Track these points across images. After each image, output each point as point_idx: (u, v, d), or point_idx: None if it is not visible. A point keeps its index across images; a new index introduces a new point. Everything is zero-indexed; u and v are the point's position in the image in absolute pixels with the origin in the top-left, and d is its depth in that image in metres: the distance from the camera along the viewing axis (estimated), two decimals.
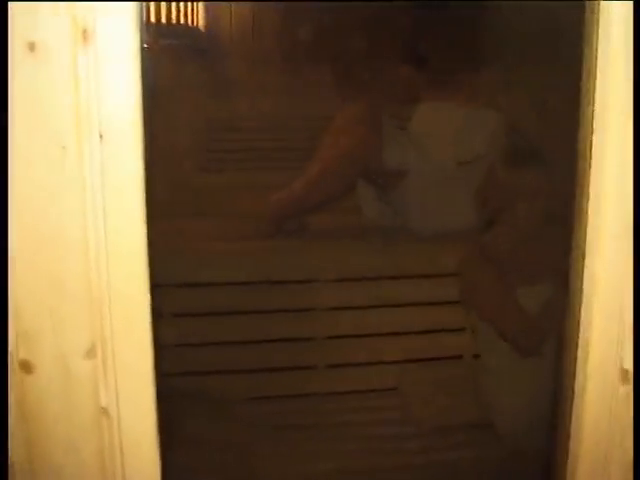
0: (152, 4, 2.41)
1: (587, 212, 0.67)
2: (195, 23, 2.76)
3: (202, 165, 2.89)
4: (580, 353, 0.71)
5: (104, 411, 0.78)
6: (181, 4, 2.54)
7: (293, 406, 2.29)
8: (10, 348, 0.74)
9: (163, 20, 2.53)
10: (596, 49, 0.64)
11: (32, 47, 0.68)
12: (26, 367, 0.76)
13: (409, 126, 2.74)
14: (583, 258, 0.69)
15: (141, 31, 0.72)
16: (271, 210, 2.48)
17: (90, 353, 0.76)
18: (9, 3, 0.68)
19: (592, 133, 0.65)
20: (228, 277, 2.27)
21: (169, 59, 2.75)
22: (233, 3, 2.77)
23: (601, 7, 0.63)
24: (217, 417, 2.11)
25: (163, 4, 2.44)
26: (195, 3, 2.65)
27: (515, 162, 2.01)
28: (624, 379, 0.70)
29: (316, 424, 2.19)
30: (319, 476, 1.96)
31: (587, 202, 0.66)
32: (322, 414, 2.25)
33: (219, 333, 2.29)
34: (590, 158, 0.65)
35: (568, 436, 0.73)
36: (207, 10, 2.78)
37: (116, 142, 0.71)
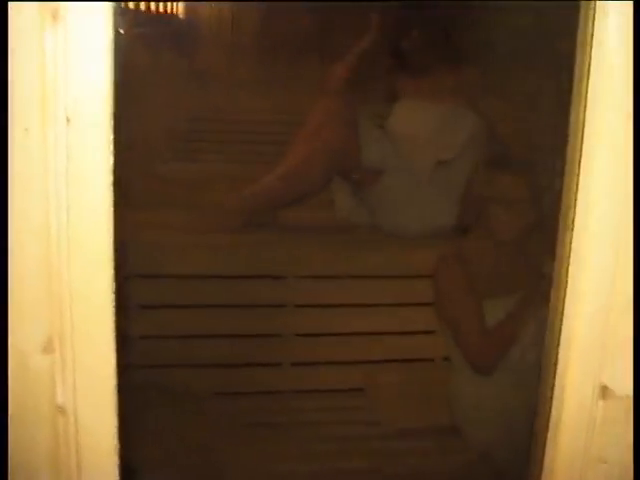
0: None
1: (573, 222, 0.65)
2: (175, 11, 2.70)
3: (174, 155, 2.84)
4: (559, 368, 0.68)
5: (60, 409, 0.74)
6: None
7: (258, 403, 2.26)
8: None
9: (142, 7, 2.47)
10: (590, 49, 0.61)
11: None
12: None
13: (387, 124, 2.71)
14: (567, 272, 0.66)
15: (115, 14, 0.69)
16: (244, 203, 2.44)
17: (48, 348, 0.72)
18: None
19: (582, 136, 0.62)
20: (198, 270, 2.24)
21: (146, 46, 2.71)
22: None
23: (597, 7, 0.61)
24: (181, 412, 2.07)
25: None
26: None
27: (495, 166, 1.98)
28: (603, 395, 0.68)
29: (282, 422, 2.16)
30: (285, 475, 1.93)
31: (574, 211, 0.64)
32: (287, 412, 2.23)
33: (187, 326, 2.26)
34: (579, 162, 0.62)
35: (543, 449, 0.71)
36: None
37: (83, 127, 0.68)
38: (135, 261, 2.15)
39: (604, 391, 0.69)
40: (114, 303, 0.73)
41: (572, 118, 0.66)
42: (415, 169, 2.48)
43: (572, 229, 0.64)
